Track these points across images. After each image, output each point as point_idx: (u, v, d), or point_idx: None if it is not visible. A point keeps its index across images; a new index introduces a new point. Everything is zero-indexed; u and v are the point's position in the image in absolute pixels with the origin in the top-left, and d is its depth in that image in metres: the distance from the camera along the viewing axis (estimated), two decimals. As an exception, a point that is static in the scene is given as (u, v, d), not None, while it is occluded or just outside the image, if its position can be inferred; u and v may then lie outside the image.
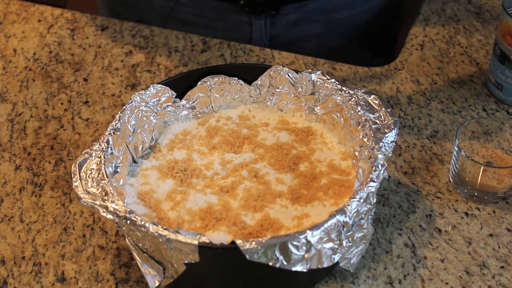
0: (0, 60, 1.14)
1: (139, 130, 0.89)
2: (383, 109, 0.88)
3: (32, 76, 1.11)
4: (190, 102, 0.94)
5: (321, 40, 1.23)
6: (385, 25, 1.29)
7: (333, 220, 0.75)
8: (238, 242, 0.73)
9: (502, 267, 0.85)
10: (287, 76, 0.92)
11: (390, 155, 0.83)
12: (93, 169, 0.82)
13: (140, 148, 0.89)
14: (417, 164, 0.96)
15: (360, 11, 1.23)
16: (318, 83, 0.91)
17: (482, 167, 0.89)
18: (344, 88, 0.90)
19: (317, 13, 1.20)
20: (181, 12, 1.20)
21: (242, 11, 1.18)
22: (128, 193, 0.85)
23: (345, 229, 0.76)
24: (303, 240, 0.74)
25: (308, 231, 0.74)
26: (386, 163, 0.81)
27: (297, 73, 0.92)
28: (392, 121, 0.86)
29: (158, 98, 0.91)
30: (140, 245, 0.77)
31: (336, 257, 0.77)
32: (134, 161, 0.89)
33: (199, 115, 0.95)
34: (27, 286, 0.85)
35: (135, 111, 0.89)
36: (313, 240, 0.74)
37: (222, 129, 0.93)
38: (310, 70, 0.92)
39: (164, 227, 0.75)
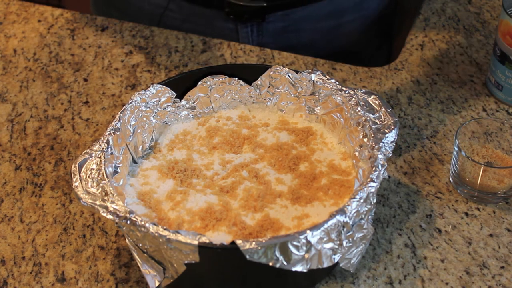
0: (0, 60, 1.14)
1: (139, 130, 0.89)
2: (383, 109, 0.88)
3: (32, 76, 1.11)
4: (190, 102, 0.94)
5: (310, 49, 1.22)
6: (377, 34, 1.29)
7: (333, 220, 0.75)
8: (238, 242, 0.73)
9: (502, 267, 0.85)
10: (287, 76, 0.92)
11: (390, 155, 0.83)
12: (93, 169, 0.82)
13: (140, 148, 0.89)
14: (417, 164, 0.96)
15: (351, 19, 1.22)
16: (318, 83, 0.91)
17: (482, 167, 0.89)
18: (344, 88, 0.90)
19: (305, 21, 1.19)
20: (170, 18, 1.20)
21: (228, 18, 1.18)
22: (128, 193, 0.85)
23: (345, 229, 0.76)
24: (303, 240, 0.74)
25: (308, 231, 0.74)
26: (386, 163, 0.81)
27: (297, 73, 0.92)
28: (392, 121, 0.86)
29: (158, 98, 0.91)
30: (140, 245, 0.77)
31: (336, 257, 0.77)
32: (134, 161, 0.89)
33: (199, 115, 0.95)
34: (27, 286, 0.85)
35: (135, 111, 0.89)
36: (313, 240, 0.74)
37: (222, 129, 0.93)
38: (310, 70, 0.92)
39: (164, 227, 0.75)
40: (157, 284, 0.78)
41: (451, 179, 0.94)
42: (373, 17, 1.25)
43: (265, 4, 1.15)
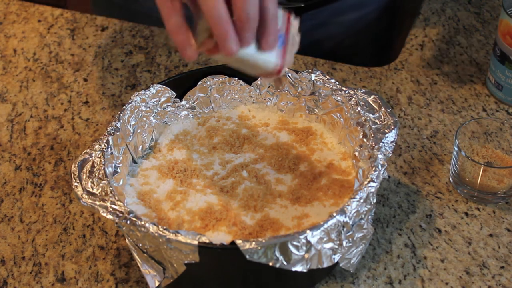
0: (0, 60, 1.14)
1: (139, 130, 0.89)
2: (383, 109, 0.88)
3: (32, 76, 1.11)
4: (190, 102, 0.94)
5: (334, 41, 1.23)
6: (390, 22, 1.30)
7: (333, 220, 0.75)
8: (238, 242, 0.73)
9: (502, 267, 0.85)
10: (287, 76, 0.92)
11: (390, 155, 0.83)
12: (93, 169, 0.82)
13: (140, 148, 0.90)
14: (417, 164, 0.96)
15: (370, 10, 1.23)
16: (318, 83, 0.91)
17: (482, 167, 0.89)
18: (344, 88, 0.90)
19: (331, 16, 1.20)
20: None
21: None
22: (128, 193, 0.85)
23: (345, 229, 0.76)
24: (303, 240, 0.74)
25: (308, 231, 0.74)
26: (386, 163, 0.81)
27: (297, 73, 0.92)
28: (392, 121, 0.86)
29: (158, 98, 0.91)
30: (140, 245, 0.77)
31: (336, 257, 0.77)
32: (134, 161, 0.89)
33: (199, 115, 0.95)
34: (27, 286, 0.85)
35: (135, 111, 0.89)
36: (313, 240, 0.74)
37: (222, 129, 0.93)
38: (310, 70, 0.92)
39: (164, 227, 0.75)
40: (157, 284, 0.78)
41: (451, 179, 0.94)
42: (386, 6, 1.25)
43: (303, 5, 1.15)
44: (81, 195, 0.79)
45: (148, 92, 0.90)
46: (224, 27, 0.70)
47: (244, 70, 0.80)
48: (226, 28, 0.70)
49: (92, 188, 0.80)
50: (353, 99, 0.88)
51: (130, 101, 0.89)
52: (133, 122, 0.88)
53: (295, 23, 0.79)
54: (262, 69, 0.78)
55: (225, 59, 0.77)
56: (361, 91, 0.90)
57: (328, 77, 0.91)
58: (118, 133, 0.85)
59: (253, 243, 0.73)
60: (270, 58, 0.77)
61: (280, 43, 0.77)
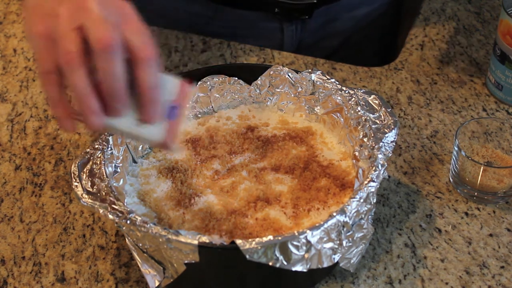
0: (0, 60, 1.14)
1: (139, 130, 0.89)
2: (383, 109, 0.88)
3: (32, 76, 1.11)
4: (190, 102, 0.94)
5: (344, 36, 1.24)
6: (395, 18, 1.30)
7: (333, 220, 0.75)
8: (238, 242, 0.73)
9: (502, 267, 0.85)
10: (287, 76, 0.92)
11: (390, 155, 0.83)
12: (93, 169, 0.82)
13: (140, 148, 0.89)
14: (417, 164, 0.96)
15: (378, 5, 1.23)
16: (318, 83, 0.91)
17: (482, 167, 0.89)
18: (344, 88, 0.90)
19: (342, 11, 1.20)
20: (212, 26, 1.19)
21: (274, 18, 1.18)
22: (128, 193, 0.85)
23: (345, 229, 0.76)
24: (303, 240, 0.74)
25: (308, 231, 0.74)
26: (386, 163, 0.81)
27: (297, 73, 0.92)
28: (392, 121, 0.86)
29: (158, 98, 0.91)
30: (140, 245, 0.77)
31: (336, 257, 0.77)
32: (134, 161, 0.89)
33: (199, 115, 0.95)
34: (27, 286, 0.85)
35: (135, 111, 0.89)
36: (313, 240, 0.74)
37: (222, 129, 0.93)
38: (310, 70, 0.92)
39: (164, 227, 0.75)
40: (157, 284, 0.78)
41: (451, 179, 0.94)
42: (383, 10, 1.26)
43: (315, 1, 1.15)
44: (81, 195, 0.79)
45: (148, 92, 0.90)
46: (85, 102, 0.70)
47: (137, 140, 0.78)
48: (87, 103, 0.70)
49: (92, 188, 0.80)
50: (353, 99, 0.88)
51: (130, 101, 0.88)
52: (133, 122, 0.88)
53: (192, 92, 0.76)
54: (146, 141, 0.75)
55: (113, 130, 0.74)
56: (361, 91, 0.90)
57: (328, 77, 0.91)
58: (118, 133, 0.85)
59: (253, 243, 0.73)
60: (153, 131, 0.74)
61: (170, 115, 0.74)
